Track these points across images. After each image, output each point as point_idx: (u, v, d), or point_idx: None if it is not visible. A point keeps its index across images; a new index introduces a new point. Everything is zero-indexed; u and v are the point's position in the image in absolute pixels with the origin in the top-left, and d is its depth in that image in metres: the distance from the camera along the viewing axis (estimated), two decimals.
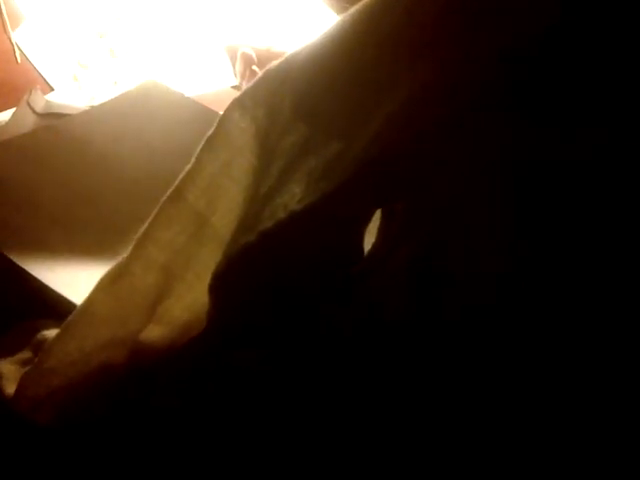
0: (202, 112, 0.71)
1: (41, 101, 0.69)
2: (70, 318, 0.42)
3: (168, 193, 0.40)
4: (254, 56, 0.76)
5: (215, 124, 0.39)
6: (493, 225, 0.35)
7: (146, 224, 0.41)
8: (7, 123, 0.65)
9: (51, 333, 0.48)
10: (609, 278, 0.32)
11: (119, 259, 0.42)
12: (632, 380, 0.31)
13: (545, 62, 0.31)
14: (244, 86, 0.76)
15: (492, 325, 0.34)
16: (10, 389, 0.45)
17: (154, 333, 0.43)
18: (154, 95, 0.72)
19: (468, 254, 0.36)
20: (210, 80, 0.87)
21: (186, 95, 0.75)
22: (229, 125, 0.39)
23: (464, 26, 0.31)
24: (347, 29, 0.35)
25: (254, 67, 0.75)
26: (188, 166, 0.40)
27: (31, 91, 0.69)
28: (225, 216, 0.40)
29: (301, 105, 0.35)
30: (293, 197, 0.34)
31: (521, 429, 0.33)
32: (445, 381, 0.34)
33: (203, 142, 0.39)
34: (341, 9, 0.85)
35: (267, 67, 0.37)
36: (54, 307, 0.53)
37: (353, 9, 0.35)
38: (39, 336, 0.49)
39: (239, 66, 0.77)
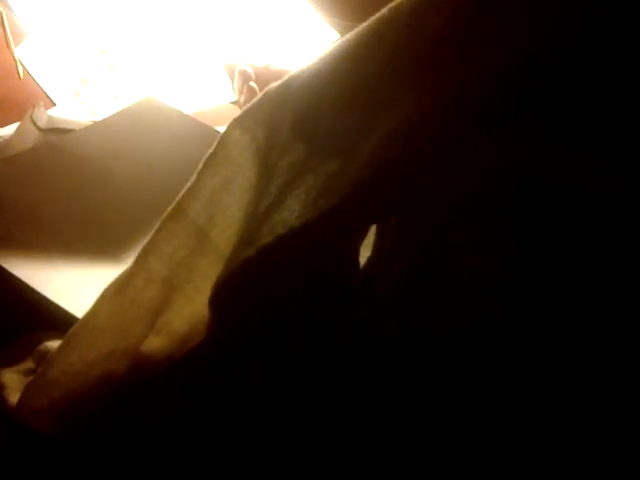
0: (198, 128, 0.73)
1: (44, 116, 0.71)
2: (73, 329, 0.43)
3: (169, 209, 0.41)
4: (252, 73, 0.78)
5: (216, 142, 0.40)
6: (487, 240, 0.36)
7: (148, 238, 0.42)
8: (11, 138, 0.67)
9: (53, 344, 0.49)
10: (607, 303, 0.33)
11: (121, 272, 0.43)
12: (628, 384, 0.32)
13: (552, 76, 0.32)
14: (242, 101, 0.78)
15: (483, 336, 0.35)
16: (13, 398, 0.46)
17: (154, 344, 0.44)
18: (151, 112, 0.73)
19: (460, 267, 0.37)
20: (209, 96, 0.88)
21: (182, 111, 0.77)
22: (229, 143, 0.40)
23: (460, 49, 0.32)
24: (345, 53, 0.36)
25: (251, 83, 0.77)
26: (189, 182, 0.41)
27: (34, 107, 0.71)
28: (225, 231, 0.41)
29: (300, 125, 0.37)
30: (292, 213, 0.36)
31: (517, 436, 0.34)
32: (439, 388, 0.35)
33: (204, 159, 0.40)
34: (340, 26, 0.87)
35: (267, 88, 0.39)
36: (54, 319, 0.54)
37: (351, 33, 0.36)
38: (41, 347, 0.50)
39: (237, 82, 0.79)
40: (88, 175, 0.65)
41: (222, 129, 0.74)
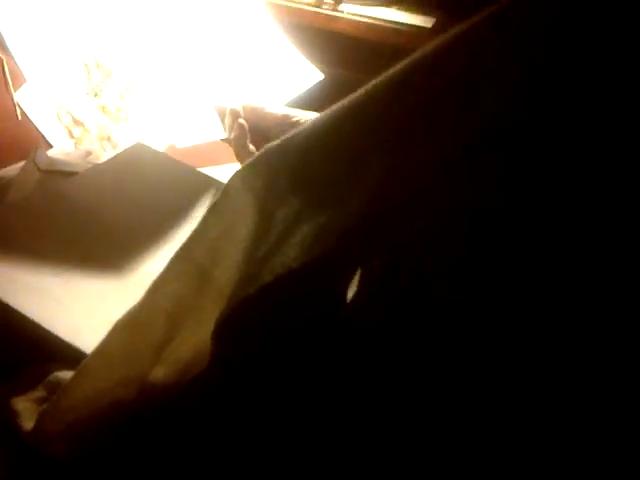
0: (184, 171, 0.80)
1: (45, 158, 0.75)
2: (86, 360, 0.47)
3: (177, 251, 0.46)
4: (241, 111, 0.84)
5: (220, 192, 0.45)
6: (451, 271, 0.42)
7: (156, 277, 0.46)
8: (14, 179, 0.71)
9: (64, 374, 0.53)
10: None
11: (131, 307, 0.47)
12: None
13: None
14: (232, 138, 0.84)
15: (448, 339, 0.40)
16: (27, 425, 0.50)
17: (160, 373, 0.48)
18: (141, 157, 0.80)
19: (434, 300, 0.43)
20: (201, 133, 0.94)
21: (169, 155, 0.83)
22: (231, 193, 0.45)
23: (426, 123, 0.38)
24: (337, 116, 0.42)
25: (241, 120, 0.83)
26: (195, 228, 0.46)
27: (36, 149, 0.75)
28: (226, 272, 0.45)
29: (296, 180, 0.42)
30: (289, 257, 0.40)
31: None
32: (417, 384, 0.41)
33: (209, 207, 0.45)
34: (327, 74, 0.94)
35: (268, 145, 0.44)
36: (59, 351, 0.57)
37: (343, 101, 0.42)
38: (52, 377, 0.54)
39: (228, 120, 0.85)
40: (84, 218, 0.70)
41: (213, 167, 0.80)
